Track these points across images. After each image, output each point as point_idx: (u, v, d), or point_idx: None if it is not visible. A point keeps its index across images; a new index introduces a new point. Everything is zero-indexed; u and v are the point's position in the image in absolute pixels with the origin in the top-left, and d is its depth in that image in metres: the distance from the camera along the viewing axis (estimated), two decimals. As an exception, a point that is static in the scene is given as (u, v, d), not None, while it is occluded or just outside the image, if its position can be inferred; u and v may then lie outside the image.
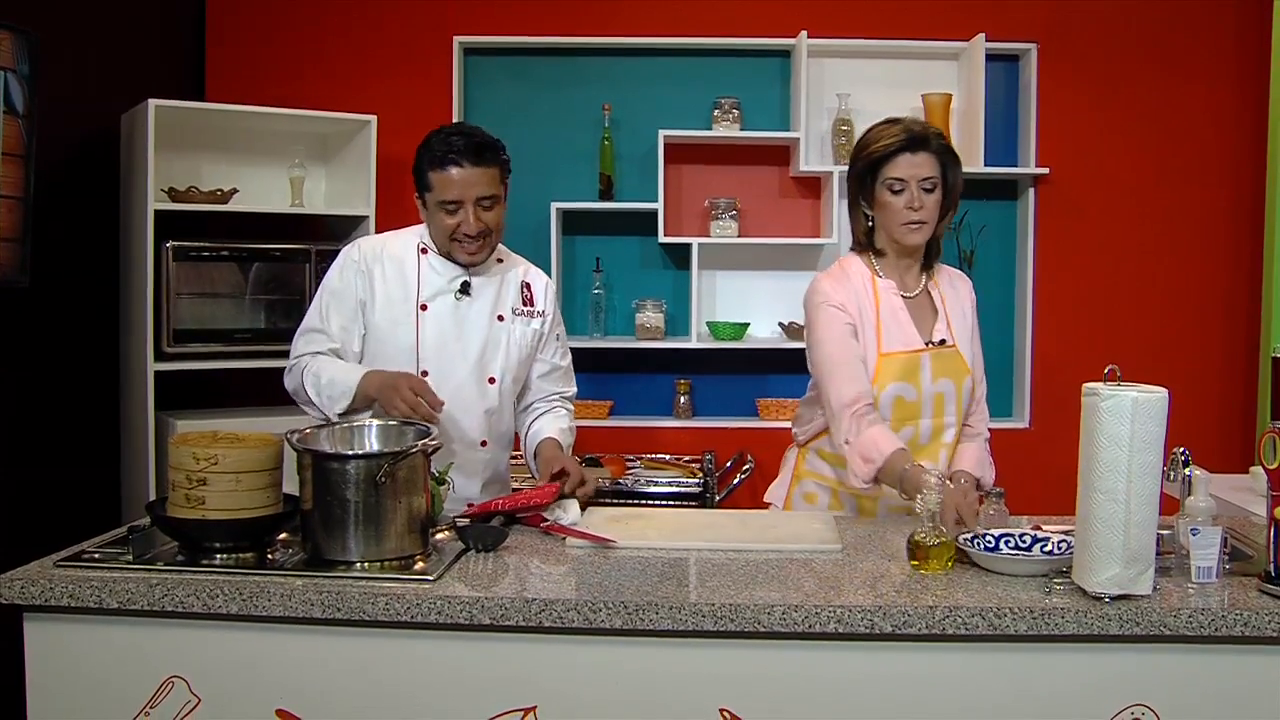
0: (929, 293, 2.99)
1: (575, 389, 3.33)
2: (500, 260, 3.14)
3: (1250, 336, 5.01)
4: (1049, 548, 2.41)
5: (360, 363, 3.06)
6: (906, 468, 2.69)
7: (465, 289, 3.05)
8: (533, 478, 3.11)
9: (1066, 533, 2.52)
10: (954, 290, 3.02)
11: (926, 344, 2.91)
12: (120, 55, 4.49)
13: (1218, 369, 5.08)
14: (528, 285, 3.16)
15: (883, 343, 2.90)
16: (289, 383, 3.08)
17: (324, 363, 3.00)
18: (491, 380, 3.07)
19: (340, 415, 2.90)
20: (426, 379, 2.96)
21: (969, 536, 2.44)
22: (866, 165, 2.90)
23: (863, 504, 3.01)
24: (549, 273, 4.91)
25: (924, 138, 2.85)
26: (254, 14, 5.04)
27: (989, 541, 2.43)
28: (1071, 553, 2.29)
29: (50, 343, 4.08)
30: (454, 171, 2.91)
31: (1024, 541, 2.44)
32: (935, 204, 2.87)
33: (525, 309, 3.13)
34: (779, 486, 3.18)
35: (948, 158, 2.88)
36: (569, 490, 2.87)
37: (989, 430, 3.08)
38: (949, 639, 2.14)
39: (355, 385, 2.90)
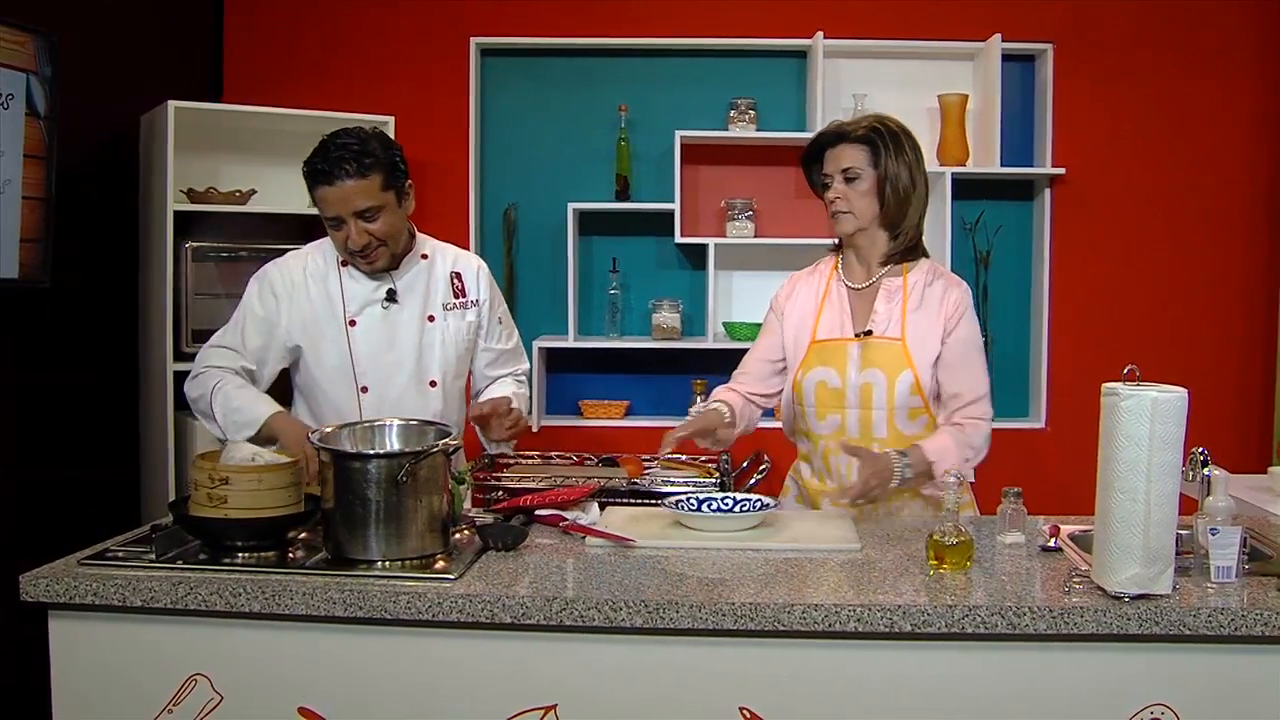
0: (883, 285, 2.97)
1: (526, 364, 3.31)
2: (425, 256, 3.05)
3: (1268, 336, 5.00)
4: (746, 508, 2.74)
5: (295, 383, 3.05)
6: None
7: (391, 296, 2.99)
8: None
9: (1084, 532, 2.53)
10: (929, 290, 2.95)
11: (856, 334, 2.94)
12: (139, 57, 4.51)
13: (1235, 368, 5.07)
14: (457, 275, 3.08)
15: (818, 331, 2.99)
16: (191, 390, 2.95)
17: (235, 387, 2.88)
18: (433, 384, 3.04)
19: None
20: (367, 394, 2.96)
21: (675, 500, 2.78)
22: (806, 166, 3.07)
23: (811, 495, 3.06)
24: (565, 274, 4.97)
25: (843, 132, 2.93)
26: (272, 16, 5.06)
27: (692, 504, 2.76)
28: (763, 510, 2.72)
29: (70, 342, 4.10)
30: (327, 189, 2.80)
31: (726, 504, 2.78)
32: (861, 194, 2.91)
33: (457, 301, 3.05)
34: None
35: (875, 143, 2.89)
36: (493, 415, 2.95)
37: (982, 425, 2.94)
38: (968, 638, 2.15)
39: (262, 420, 2.80)
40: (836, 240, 3.08)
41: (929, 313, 2.92)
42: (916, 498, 2.97)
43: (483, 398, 3.16)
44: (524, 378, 3.30)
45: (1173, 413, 2.12)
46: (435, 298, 3.04)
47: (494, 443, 3.06)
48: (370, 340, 2.97)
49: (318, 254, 3.05)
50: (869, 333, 2.93)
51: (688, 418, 2.96)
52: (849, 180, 2.91)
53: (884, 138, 2.90)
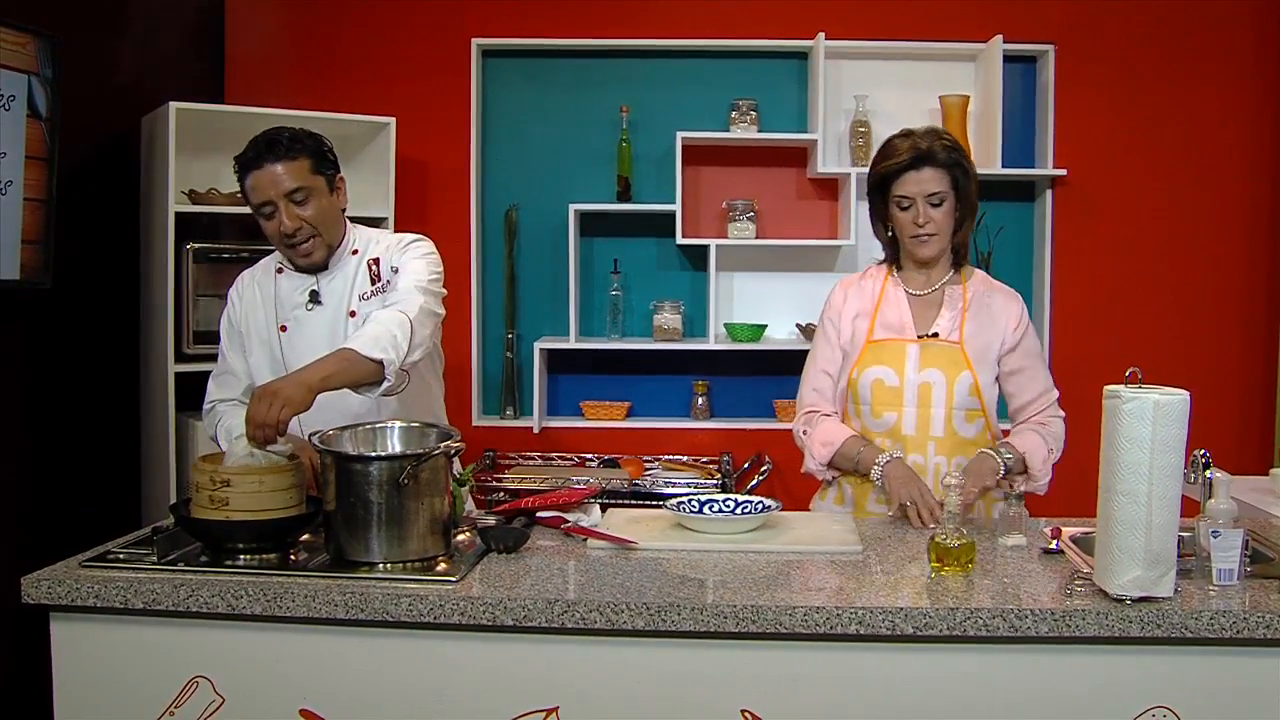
0: (944, 292, 3.04)
1: (414, 301, 2.82)
2: (355, 252, 3.02)
3: (1269, 338, 5.00)
4: (747, 510, 2.75)
5: None
6: (861, 449, 2.95)
7: (314, 298, 2.98)
8: None
9: (1086, 534, 2.53)
10: (986, 299, 3.03)
11: (919, 336, 2.99)
12: (141, 58, 4.52)
13: (1236, 370, 5.07)
14: (375, 262, 3.01)
15: (874, 332, 3.03)
16: (206, 427, 3.09)
17: (233, 418, 2.93)
18: None
19: None
20: None
21: (676, 502, 2.78)
22: (877, 182, 3.02)
23: (856, 494, 3.06)
24: (566, 277, 4.96)
25: (929, 153, 2.91)
26: (273, 17, 5.07)
27: (694, 505, 2.76)
28: (765, 512, 2.70)
29: (71, 344, 4.10)
30: (255, 174, 2.84)
31: (727, 506, 2.78)
32: (945, 215, 2.94)
33: (373, 288, 2.98)
34: None
35: (957, 167, 2.93)
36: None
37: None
38: (970, 640, 2.15)
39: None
40: (885, 253, 3.15)
41: (987, 323, 3.00)
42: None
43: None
44: (406, 306, 2.82)
45: (1174, 415, 2.12)
46: (355, 292, 3.00)
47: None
48: (299, 344, 2.96)
49: (264, 265, 3.10)
50: (935, 335, 2.99)
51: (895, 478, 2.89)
52: (935, 205, 2.93)
53: (962, 157, 2.95)
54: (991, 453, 2.87)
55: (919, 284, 3.06)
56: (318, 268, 2.98)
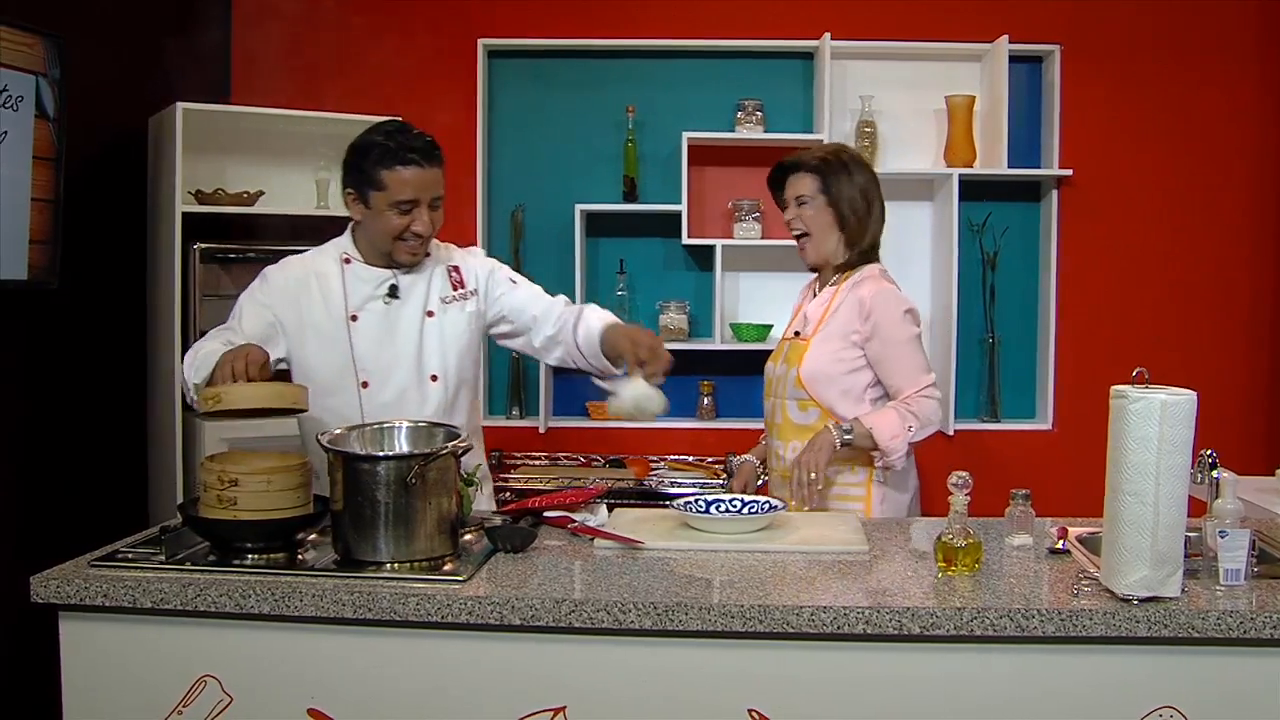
0: (823, 292, 3.31)
1: (563, 297, 3.16)
2: (428, 254, 3.06)
3: (1275, 338, 5.00)
4: (754, 509, 2.77)
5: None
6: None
7: (393, 292, 3.00)
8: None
9: (1092, 534, 2.54)
10: (850, 294, 3.21)
11: (795, 334, 3.33)
12: (148, 59, 4.52)
13: (1242, 370, 5.06)
14: (455, 269, 3.08)
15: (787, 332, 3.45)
16: (184, 370, 2.89)
17: (211, 342, 2.86)
18: (434, 378, 3.01)
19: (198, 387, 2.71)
20: (367, 389, 2.96)
21: (683, 501, 2.81)
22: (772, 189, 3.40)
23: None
24: (572, 275, 4.97)
25: (796, 162, 3.27)
26: (280, 17, 5.06)
27: (700, 505, 2.79)
28: (771, 511, 2.73)
29: (78, 343, 4.11)
30: (411, 171, 2.86)
31: (734, 506, 2.80)
32: (814, 215, 3.24)
33: (455, 293, 3.05)
34: None
35: (829, 174, 3.21)
36: (648, 360, 2.83)
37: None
38: (977, 640, 2.15)
39: (219, 357, 2.67)
40: None
41: (840, 316, 3.21)
42: (865, 465, 3.19)
43: (580, 333, 3.03)
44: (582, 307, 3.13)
45: (1181, 415, 2.12)
46: (434, 292, 3.04)
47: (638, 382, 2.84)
48: (370, 335, 2.98)
49: (321, 255, 3.08)
50: (797, 334, 3.31)
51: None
52: (801, 204, 3.25)
53: (832, 167, 3.22)
54: (830, 428, 3.07)
55: (816, 289, 3.38)
56: (410, 264, 3.03)
